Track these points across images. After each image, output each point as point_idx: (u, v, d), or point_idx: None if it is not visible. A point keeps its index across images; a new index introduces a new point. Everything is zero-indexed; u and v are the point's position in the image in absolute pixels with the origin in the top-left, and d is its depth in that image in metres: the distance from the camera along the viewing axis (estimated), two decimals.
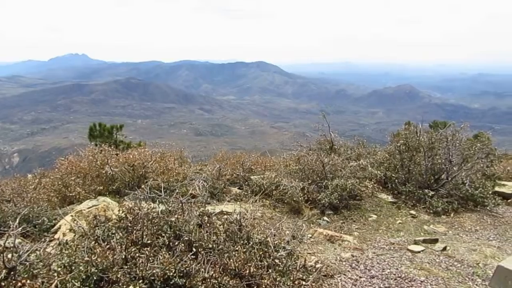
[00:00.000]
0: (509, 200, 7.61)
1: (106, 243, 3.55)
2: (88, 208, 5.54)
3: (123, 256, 3.29)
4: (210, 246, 3.75)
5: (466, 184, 7.17)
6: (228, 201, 6.45)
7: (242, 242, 4.02)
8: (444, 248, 5.01)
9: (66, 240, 3.69)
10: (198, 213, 4.58)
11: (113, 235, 3.75)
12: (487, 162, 8.00)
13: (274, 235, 4.19)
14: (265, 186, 6.75)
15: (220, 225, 4.35)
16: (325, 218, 6.11)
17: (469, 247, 5.15)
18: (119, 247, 3.48)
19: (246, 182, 7.29)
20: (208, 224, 4.31)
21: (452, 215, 6.69)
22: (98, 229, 3.92)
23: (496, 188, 7.96)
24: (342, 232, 5.62)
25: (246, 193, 6.88)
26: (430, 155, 7.77)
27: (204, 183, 6.38)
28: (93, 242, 3.55)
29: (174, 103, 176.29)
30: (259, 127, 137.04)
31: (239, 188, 7.30)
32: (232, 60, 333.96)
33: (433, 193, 7.13)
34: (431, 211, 6.72)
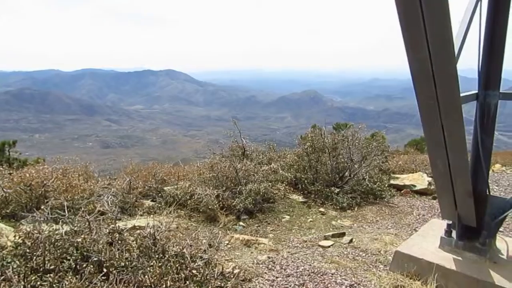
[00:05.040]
0: (402, 191, 8.52)
1: (0, 274, 3.16)
2: None
3: (22, 287, 2.97)
4: (123, 264, 3.56)
5: (366, 180, 7.85)
6: (141, 215, 6.18)
7: (157, 256, 3.89)
8: (351, 241, 5.41)
9: None
10: (108, 231, 4.32)
11: (8, 265, 3.35)
12: (382, 158, 8.88)
13: (190, 246, 4.13)
14: (179, 197, 6.62)
15: (132, 241, 4.16)
16: (241, 223, 6.20)
17: (372, 236, 5.63)
18: (16, 277, 3.13)
19: (159, 194, 7.06)
20: (119, 242, 4.08)
21: (356, 209, 7.26)
22: None
23: (391, 181, 8.85)
24: (258, 235, 5.75)
25: (160, 205, 6.66)
26: (334, 155, 8.37)
27: (113, 198, 6.03)
28: None
29: (77, 114, 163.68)
30: (171, 137, 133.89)
31: (152, 201, 7.04)
32: (139, 68, 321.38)
33: (338, 190, 7.68)
34: (338, 207, 7.23)
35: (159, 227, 4.41)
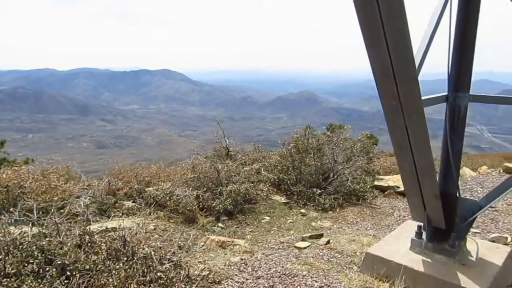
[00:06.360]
0: (385, 192, 8.52)
1: None
2: None
3: None
4: (88, 267, 3.52)
5: (349, 181, 7.84)
6: (120, 217, 6.15)
7: (125, 258, 3.86)
8: (328, 242, 5.38)
9: None
10: (78, 233, 4.28)
11: None
12: (366, 159, 8.88)
13: (160, 248, 4.10)
14: (159, 198, 6.58)
15: (103, 243, 4.12)
16: (219, 224, 6.17)
17: (350, 238, 5.61)
18: None
19: (141, 195, 7.02)
20: (88, 244, 4.05)
21: (337, 210, 7.26)
22: None
23: (375, 182, 8.86)
24: (236, 236, 5.73)
25: (140, 207, 6.63)
26: (319, 156, 8.36)
27: (91, 199, 5.99)
28: None
29: (71, 114, 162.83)
30: (167, 137, 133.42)
31: (133, 202, 7.00)
32: (135, 67, 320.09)
33: (321, 191, 7.66)
34: (320, 208, 7.22)
35: (131, 229, 4.38)
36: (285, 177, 7.97)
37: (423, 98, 3.39)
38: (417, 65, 3.37)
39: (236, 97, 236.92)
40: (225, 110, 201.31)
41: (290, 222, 6.49)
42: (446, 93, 3.88)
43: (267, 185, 7.72)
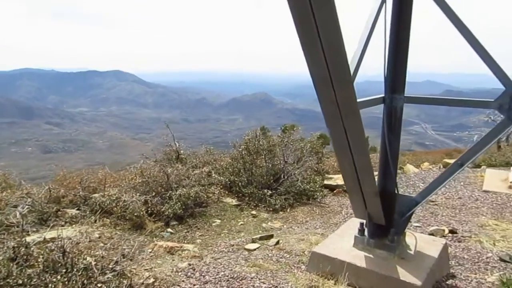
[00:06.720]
0: (334, 191, 8.77)
1: None
2: None
3: None
4: (21, 281, 3.31)
5: (299, 181, 7.99)
6: (62, 226, 5.85)
7: (64, 270, 3.67)
8: (277, 242, 5.44)
9: None
10: (13, 245, 4.01)
11: None
12: (315, 159, 9.09)
13: (103, 257, 3.95)
14: (106, 204, 6.34)
15: (40, 255, 3.89)
16: (169, 229, 6.05)
17: (299, 237, 5.70)
18: None
19: (85, 202, 6.72)
20: (24, 257, 3.81)
21: (288, 210, 7.37)
22: None
23: (325, 182, 9.08)
24: (185, 241, 5.65)
25: (84, 214, 6.34)
26: (270, 157, 8.44)
27: (29, 208, 5.65)
28: None
29: (14, 117, 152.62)
30: (119, 140, 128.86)
31: (77, 209, 6.68)
32: (84, 68, 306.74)
33: (272, 192, 7.74)
34: (271, 209, 7.29)
35: (71, 238, 4.18)
36: (236, 179, 7.97)
37: (361, 100, 3.54)
38: (354, 69, 3.50)
39: (190, 99, 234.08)
40: (180, 112, 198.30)
41: (241, 224, 6.49)
42: (383, 95, 4.05)
43: (218, 188, 7.69)
